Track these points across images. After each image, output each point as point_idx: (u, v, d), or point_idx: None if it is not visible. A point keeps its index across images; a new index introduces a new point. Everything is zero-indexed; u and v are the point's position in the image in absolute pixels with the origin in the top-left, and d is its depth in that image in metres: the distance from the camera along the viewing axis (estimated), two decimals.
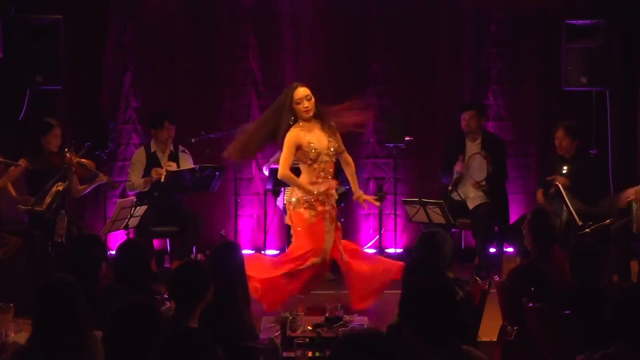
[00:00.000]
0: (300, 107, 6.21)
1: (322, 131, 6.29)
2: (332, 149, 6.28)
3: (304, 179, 6.29)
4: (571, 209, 7.07)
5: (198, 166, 7.64)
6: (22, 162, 6.99)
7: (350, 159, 6.57)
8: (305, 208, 6.24)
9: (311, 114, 6.24)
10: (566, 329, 4.30)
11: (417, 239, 5.00)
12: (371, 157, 8.72)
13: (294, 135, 6.20)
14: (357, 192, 6.54)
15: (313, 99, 6.24)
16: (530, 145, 8.76)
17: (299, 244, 6.31)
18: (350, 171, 6.56)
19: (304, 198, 6.25)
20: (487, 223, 7.85)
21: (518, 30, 8.69)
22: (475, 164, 7.85)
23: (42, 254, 6.77)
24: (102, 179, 7.39)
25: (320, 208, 6.25)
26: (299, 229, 6.31)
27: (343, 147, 6.45)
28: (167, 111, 7.97)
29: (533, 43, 8.69)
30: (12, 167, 6.93)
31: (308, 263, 6.23)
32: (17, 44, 7.75)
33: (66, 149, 7.05)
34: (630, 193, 6.90)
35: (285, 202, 6.54)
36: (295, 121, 6.26)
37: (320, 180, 6.27)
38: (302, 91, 6.23)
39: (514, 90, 8.77)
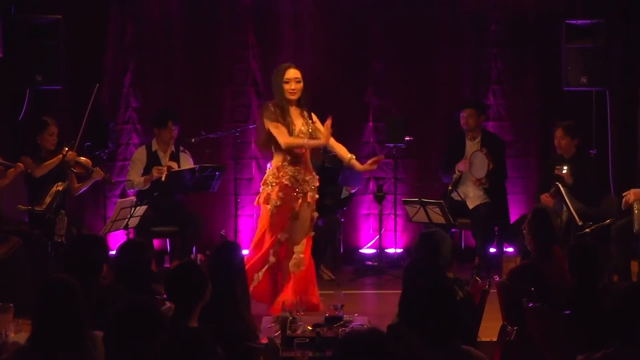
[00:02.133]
0: (287, 86, 6.17)
1: (300, 116, 6.22)
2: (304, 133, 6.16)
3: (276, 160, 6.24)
4: (571, 209, 7.07)
5: (198, 166, 7.64)
6: (20, 164, 6.99)
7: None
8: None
9: (295, 97, 6.18)
10: (566, 329, 4.30)
11: (416, 239, 5.00)
12: (371, 157, 8.69)
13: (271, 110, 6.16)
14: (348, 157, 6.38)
15: (302, 84, 6.19)
16: (530, 145, 8.76)
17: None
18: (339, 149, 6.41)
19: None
20: (487, 223, 7.85)
21: (518, 30, 8.69)
22: (476, 161, 7.84)
23: (42, 254, 6.77)
24: (99, 174, 7.35)
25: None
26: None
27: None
28: (171, 111, 7.97)
29: (533, 43, 8.69)
30: (11, 169, 6.93)
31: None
32: (17, 44, 7.74)
33: (66, 148, 7.04)
34: (630, 196, 6.88)
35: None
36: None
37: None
38: (292, 72, 6.19)
39: (514, 90, 8.76)
